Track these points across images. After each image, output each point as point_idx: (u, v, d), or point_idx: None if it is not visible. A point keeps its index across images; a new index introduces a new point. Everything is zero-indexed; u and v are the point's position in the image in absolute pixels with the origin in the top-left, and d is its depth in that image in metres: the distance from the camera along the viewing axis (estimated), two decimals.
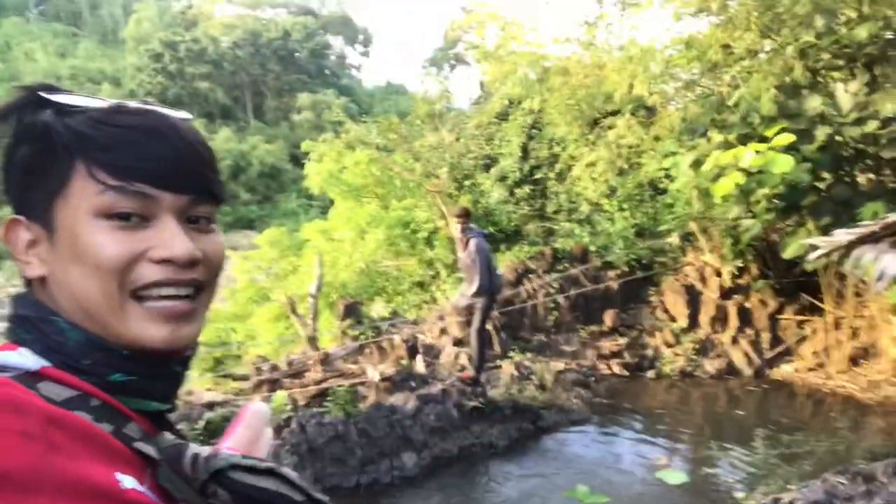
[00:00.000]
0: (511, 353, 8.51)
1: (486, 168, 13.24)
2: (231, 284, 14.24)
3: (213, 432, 6.22)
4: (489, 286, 6.69)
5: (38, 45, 48.13)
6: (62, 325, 0.63)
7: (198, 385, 7.95)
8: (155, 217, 0.65)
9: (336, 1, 70.29)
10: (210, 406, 6.87)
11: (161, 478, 0.60)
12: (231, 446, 0.78)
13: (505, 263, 10.22)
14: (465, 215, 6.85)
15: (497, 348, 8.75)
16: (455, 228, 6.97)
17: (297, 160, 13.07)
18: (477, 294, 6.69)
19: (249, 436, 0.78)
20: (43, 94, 0.68)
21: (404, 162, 12.24)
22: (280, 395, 7.10)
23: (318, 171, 13.26)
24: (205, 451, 0.63)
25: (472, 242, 6.66)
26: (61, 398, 0.58)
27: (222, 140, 42.98)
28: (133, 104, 0.70)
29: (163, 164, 0.66)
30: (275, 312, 10.51)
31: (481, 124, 13.53)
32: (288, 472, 0.64)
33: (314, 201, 26.22)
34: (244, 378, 8.20)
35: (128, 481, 0.56)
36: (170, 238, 0.65)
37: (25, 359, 0.60)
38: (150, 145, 0.66)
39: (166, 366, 0.67)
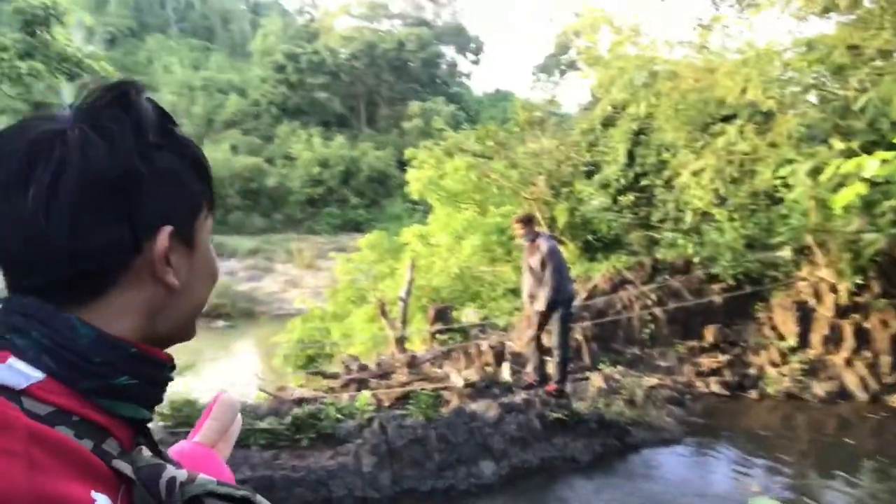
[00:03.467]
0: (601, 365, 8.21)
1: (588, 175, 12.92)
2: (334, 285, 14.78)
3: (299, 427, 6.44)
4: (564, 294, 6.48)
5: (176, 59, 52.30)
6: (74, 322, 0.63)
7: (289, 381, 8.25)
8: None
9: (450, 11, 71.48)
10: (299, 402, 7.10)
11: (136, 499, 0.60)
12: (199, 440, 0.79)
13: (600, 273, 9.91)
14: (529, 221, 6.70)
15: (586, 359, 8.48)
16: (518, 234, 6.80)
17: (404, 166, 13.43)
18: (551, 304, 6.49)
19: (218, 427, 0.82)
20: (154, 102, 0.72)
21: (502, 168, 12.18)
22: (364, 395, 7.23)
23: (419, 178, 13.48)
24: (182, 474, 0.63)
25: (544, 244, 6.47)
26: (45, 412, 0.58)
27: (336, 147, 44.77)
28: None
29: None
30: (370, 314, 10.76)
31: (584, 130, 13.23)
32: (262, 500, 0.66)
33: (419, 206, 26.68)
34: (334, 376, 8.44)
35: (102, 500, 0.56)
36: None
37: (13, 374, 0.60)
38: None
39: (163, 369, 0.70)
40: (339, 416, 6.64)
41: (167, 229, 0.68)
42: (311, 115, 48.48)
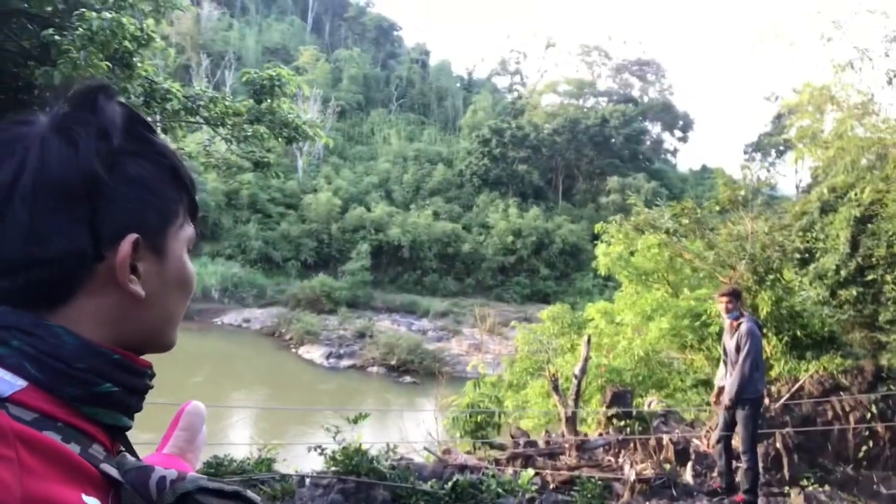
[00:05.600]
0: (803, 482, 7.13)
1: (802, 264, 11.65)
2: (515, 353, 14.71)
3: (459, 495, 6.35)
4: (753, 389, 5.78)
5: (394, 131, 57.22)
6: (58, 330, 0.63)
7: (457, 446, 8.24)
8: None
9: (658, 88, 70.44)
10: (462, 469, 7.04)
11: (125, 501, 0.61)
12: (168, 452, 0.80)
13: (809, 374, 8.74)
14: (736, 295, 6.09)
15: (785, 472, 7.43)
16: (721, 309, 6.21)
17: (598, 240, 13.27)
18: (739, 399, 5.81)
19: (186, 437, 0.81)
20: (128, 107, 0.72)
21: (698, 249, 11.44)
22: (529, 473, 6.96)
23: (607, 253, 13.12)
24: (171, 473, 0.64)
25: (745, 324, 5.85)
26: (30, 418, 0.59)
27: (531, 218, 45.43)
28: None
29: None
30: (545, 387, 10.49)
31: (797, 213, 12.03)
32: (252, 495, 0.66)
33: (610, 282, 25.92)
34: (501, 447, 8.27)
35: (92, 503, 0.57)
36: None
37: None
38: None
39: (143, 377, 0.70)
40: (500, 490, 6.45)
41: (131, 237, 0.66)
42: (509, 186, 49.92)
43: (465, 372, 22.21)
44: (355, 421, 7.30)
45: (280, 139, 9.01)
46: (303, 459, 8.22)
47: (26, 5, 5.74)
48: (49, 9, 5.47)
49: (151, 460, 0.78)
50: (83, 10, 5.37)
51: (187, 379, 22.50)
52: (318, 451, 7.14)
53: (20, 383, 0.60)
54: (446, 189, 50.17)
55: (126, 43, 5.78)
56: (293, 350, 29.37)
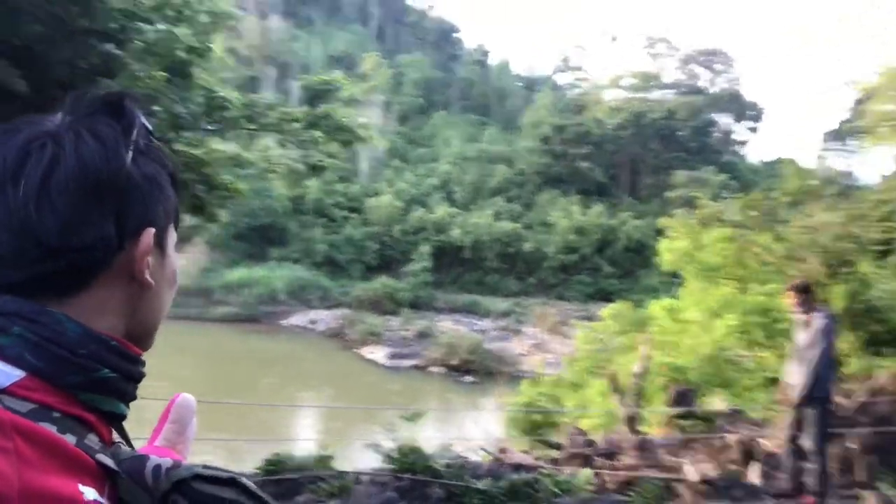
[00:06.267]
0: (878, 484, 6.72)
1: (881, 255, 11.01)
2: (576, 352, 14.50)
3: (514, 494, 6.29)
4: (823, 387, 5.47)
5: (455, 133, 57.39)
6: (60, 317, 0.65)
7: (513, 445, 8.17)
8: None
9: (726, 78, 67.95)
10: (517, 468, 6.98)
11: (122, 490, 0.63)
12: (160, 444, 0.81)
13: (887, 371, 8.24)
14: (805, 290, 5.77)
15: (859, 473, 7.02)
16: (791, 304, 5.88)
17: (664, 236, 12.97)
18: (809, 398, 5.51)
19: (177, 429, 0.82)
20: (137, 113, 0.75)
21: (767, 241, 10.96)
22: (586, 473, 6.84)
23: (672, 248, 12.75)
24: (166, 461, 0.66)
25: (819, 320, 5.55)
26: (26, 410, 0.60)
27: (594, 215, 44.69)
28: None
29: None
30: (605, 387, 10.29)
31: (874, 202, 11.37)
32: (248, 482, 0.66)
33: (677, 279, 25.23)
34: (558, 447, 8.15)
35: (90, 493, 0.58)
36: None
37: None
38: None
39: (139, 364, 0.73)
40: (556, 489, 6.36)
41: (151, 230, 0.71)
42: (571, 183, 49.29)
43: (526, 372, 22.04)
44: (412, 420, 7.33)
45: (336, 142, 9.20)
46: (364, 457, 8.33)
47: (93, 23, 6.05)
48: (113, 25, 5.76)
49: (145, 451, 0.81)
50: (140, 24, 5.64)
51: (261, 379, 23.24)
52: (376, 449, 7.23)
53: (17, 374, 0.62)
54: (507, 188, 49.96)
55: (183, 54, 6.02)
56: (356, 350, 29.88)
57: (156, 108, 6.37)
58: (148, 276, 0.71)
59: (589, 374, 11.95)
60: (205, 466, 0.66)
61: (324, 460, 7.35)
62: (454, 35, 78.94)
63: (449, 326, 32.60)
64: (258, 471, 7.12)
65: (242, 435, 13.11)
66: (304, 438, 12.75)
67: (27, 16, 5.72)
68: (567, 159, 49.57)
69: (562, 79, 76.13)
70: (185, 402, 0.83)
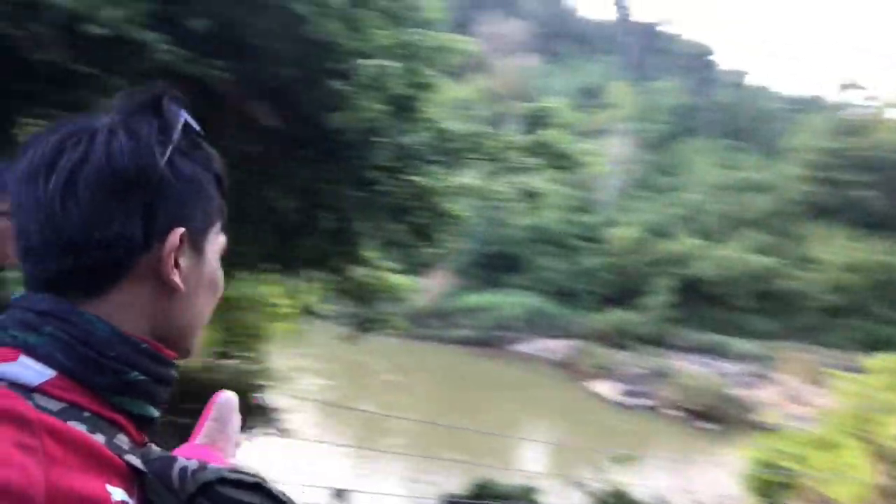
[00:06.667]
0: None
1: None
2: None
3: None
4: None
5: (704, 160, 53.66)
6: (90, 318, 0.66)
7: None
8: None
9: None
10: None
11: (149, 491, 0.64)
12: (201, 442, 0.83)
13: None
14: None
15: None
16: None
17: None
18: None
19: (218, 427, 0.83)
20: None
21: None
22: None
23: None
24: (193, 463, 0.66)
25: None
26: (57, 408, 0.61)
27: (873, 251, 38.43)
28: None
29: None
30: (866, 451, 8.68)
31: None
32: (273, 487, 0.67)
33: None
34: None
35: (118, 493, 0.60)
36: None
37: (26, 370, 0.62)
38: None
39: (171, 367, 0.72)
40: None
41: (179, 230, 0.69)
42: (841, 214, 43.08)
43: (773, 424, 19.54)
44: (620, 463, 6.98)
45: (555, 169, 9.15)
46: (573, 494, 8.09)
47: (334, 64, 6.81)
48: (344, 66, 6.42)
49: (181, 450, 0.82)
50: (359, 60, 6.19)
51: (492, 405, 23.91)
52: (580, 487, 6.98)
53: (49, 373, 0.62)
54: (763, 219, 45.31)
55: (404, 88, 6.46)
56: (584, 383, 29.15)
57: (380, 139, 6.93)
58: (177, 279, 0.70)
59: (847, 433, 10.16)
60: (231, 470, 0.65)
61: (527, 492, 7.29)
62: (707, 58, 74.46)
63: (687, 366, 30.37)
64: (465, 493, 7.26)
65: (464, 456, 13.47)
66: (518, 470, 12.71)
67: (284, 61, 6.62)
68: (840, 187, 43.53)
69: (833, 98, 67.41)
70: (226, 401, 0.84)
